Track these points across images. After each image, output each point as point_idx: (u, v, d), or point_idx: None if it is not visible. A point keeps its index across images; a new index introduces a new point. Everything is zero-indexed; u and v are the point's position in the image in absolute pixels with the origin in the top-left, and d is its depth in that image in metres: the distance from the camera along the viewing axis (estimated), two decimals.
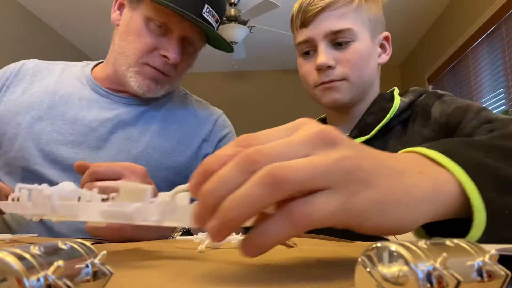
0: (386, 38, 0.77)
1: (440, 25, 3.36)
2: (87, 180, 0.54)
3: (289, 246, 0.48)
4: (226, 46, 0.84)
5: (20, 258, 0.16)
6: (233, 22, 3.11)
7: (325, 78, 0.70)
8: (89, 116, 0.80)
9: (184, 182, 0.97)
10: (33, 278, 0.16)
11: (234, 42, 3.18)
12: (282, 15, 3.31)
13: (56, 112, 0.80)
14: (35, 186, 0.38)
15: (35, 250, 0.17)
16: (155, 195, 0.57)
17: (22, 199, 0.39)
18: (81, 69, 0.89)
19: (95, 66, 0.91)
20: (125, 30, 0.80)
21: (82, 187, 0.54)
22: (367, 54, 0.72)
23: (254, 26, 3.21)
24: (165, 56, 0.77)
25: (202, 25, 0.76)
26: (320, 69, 0.70)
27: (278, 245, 0.49)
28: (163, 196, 0.31)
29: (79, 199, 0.36)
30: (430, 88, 3.52)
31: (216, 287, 0.26)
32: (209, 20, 0.78)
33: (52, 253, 0.18)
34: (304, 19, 0.71)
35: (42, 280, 0.16)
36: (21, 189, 0.40)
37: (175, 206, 0.30)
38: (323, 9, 0.69)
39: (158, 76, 0.80)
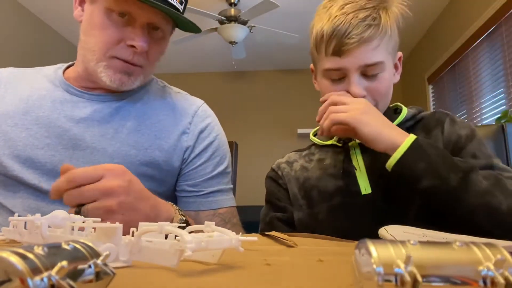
0: (399, 59, 0.80)
1: (440, 25, 3.35)
2: (65, 188, 0.54)
3: (289, 246, 0.48)
4: (193, 28, 0.81)
5: (24, 258, 0.16)
6: (233, 22, 3.10)
7: None
8: (63, 117, 0.79)
9: (163, 176, 0.87)
10: (37, 278, 0.16)
11: (234, 42, 3.17)
12: (282, 15, 3.31)
13: (31, 117, 0.79)
14: (28, 217, 0.42)
15: (38, 250, 0.17)
16: (140, 192, 0.60)
17: (20, 227, 0.43)
18: (54, 71, 0.87)
19: (68, 67, 0.90)
20: (88, 25, 0.78)
21: (56, 190, 0.54)
22: (390, 82, 0.76)
23: (254, 26, 3.20)
24: (132, 46, 0.75)
25: (164, 9, 0.73)
26: None
27: (278, 245, 0.49)
28: (129, 237, 0.34)
29: (72, 227, 0.39)
30: (430, 88, 3.53)
31: (217, 287, 0.27)
32: (172, 2, 0.75)
33: (56, 253, 0.18)
34: (339, 49, 0.71)
35: (45, 280, 0.16)
36: (14, 221, 0.45)
37: (141, 246, 0.32)
38: (360, 44, 0.70)
39: (128, 68, 0.78)
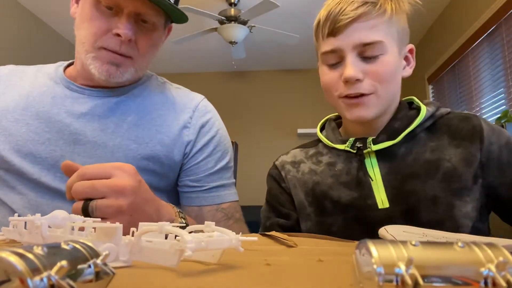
0: (410, 51, 0.75)
1: (440, 25, 3.35)
2: (76, 180, 0.54)
3: (289, 246, 0.48)
4: (182, 17, 0.80)
5: (24, 258, 0.16)
6: (233, 22, 3.10)
7: (353, 91, 0.67)
8: (63, 112, 0.79)
9: (164, 171, 0.87)
10: (37, 278, 0.16)
11: (234, 42, 3.17)
12: (282, 15, 3.31)
13: (30, 112, 0.79)
14: (28, 217, 0.42)
15: (38, 250, 0.17)
16: (147, 193, 0.59)
17: (20, 227, 0.43)
18: (55, 69, 0.88)
19: (68, 65, 0.91)
20: (80, 19, 0.79)
21: (70, 188, 0.55)
22: (394, 68, 0.69)
23: (254, 26, 3.20)
24: (118, 35, 0.75)
25: None
26: (348, 81, 0.67)
27: (278, 245, 0.49)
28: (129, 236, 0.34)
29: (72, 227, 0.39)
30: (430, 88, 3.53)
31: (217, 287, 0.27)
32: None
33: (55, 253, 0.18)
34: (333, 28, 0.67)
35: (45, 280, 0.16)
36: (15, 221, 0.45)
37: (141, 246, 0.32)
38: (355, 20, 0.66)
39: (116, 59, 0.77)
